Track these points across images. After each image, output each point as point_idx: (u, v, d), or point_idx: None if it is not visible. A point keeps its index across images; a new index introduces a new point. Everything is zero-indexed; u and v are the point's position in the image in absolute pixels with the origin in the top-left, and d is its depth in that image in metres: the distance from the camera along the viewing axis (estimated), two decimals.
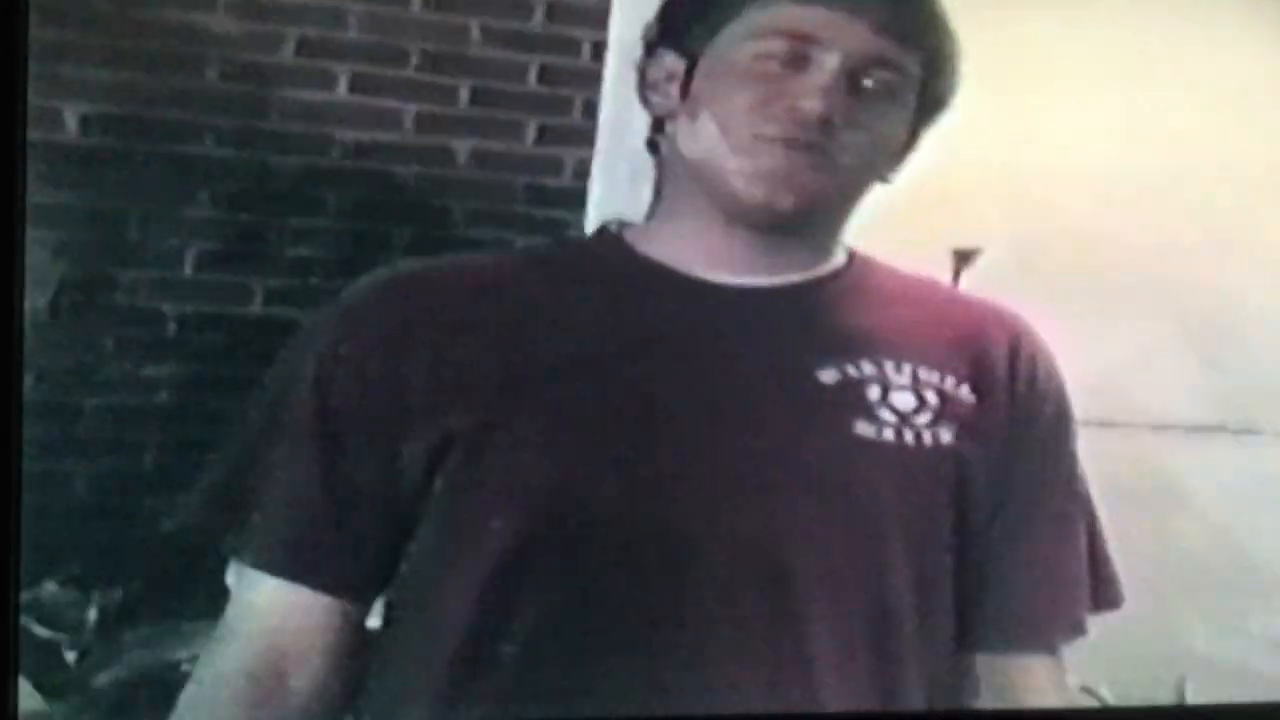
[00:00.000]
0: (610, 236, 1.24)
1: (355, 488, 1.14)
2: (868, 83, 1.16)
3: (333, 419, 1.14)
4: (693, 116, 1.19)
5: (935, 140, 1.24)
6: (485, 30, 1.45)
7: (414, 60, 1.45)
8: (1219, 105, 1.45)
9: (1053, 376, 1.24)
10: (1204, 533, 1.47)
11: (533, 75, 1.46)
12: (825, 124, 1.15)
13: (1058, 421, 1.24)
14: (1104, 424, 1.34)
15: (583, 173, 1.44)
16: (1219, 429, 1.51)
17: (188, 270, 1.40)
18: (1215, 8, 1.46)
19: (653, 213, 1.23)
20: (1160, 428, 1.49)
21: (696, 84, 1.19)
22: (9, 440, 1.15)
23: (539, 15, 1.45)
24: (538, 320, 1.18)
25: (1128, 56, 1.44)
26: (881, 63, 1.16)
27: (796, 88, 1.16)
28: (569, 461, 1.15)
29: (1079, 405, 1.25)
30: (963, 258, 1.41)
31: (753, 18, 1.18)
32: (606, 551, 1.14)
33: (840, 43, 1.16)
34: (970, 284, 1.40)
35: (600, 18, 1.41)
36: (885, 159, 1.21)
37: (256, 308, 1.42)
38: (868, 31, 1.16)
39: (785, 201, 1.16)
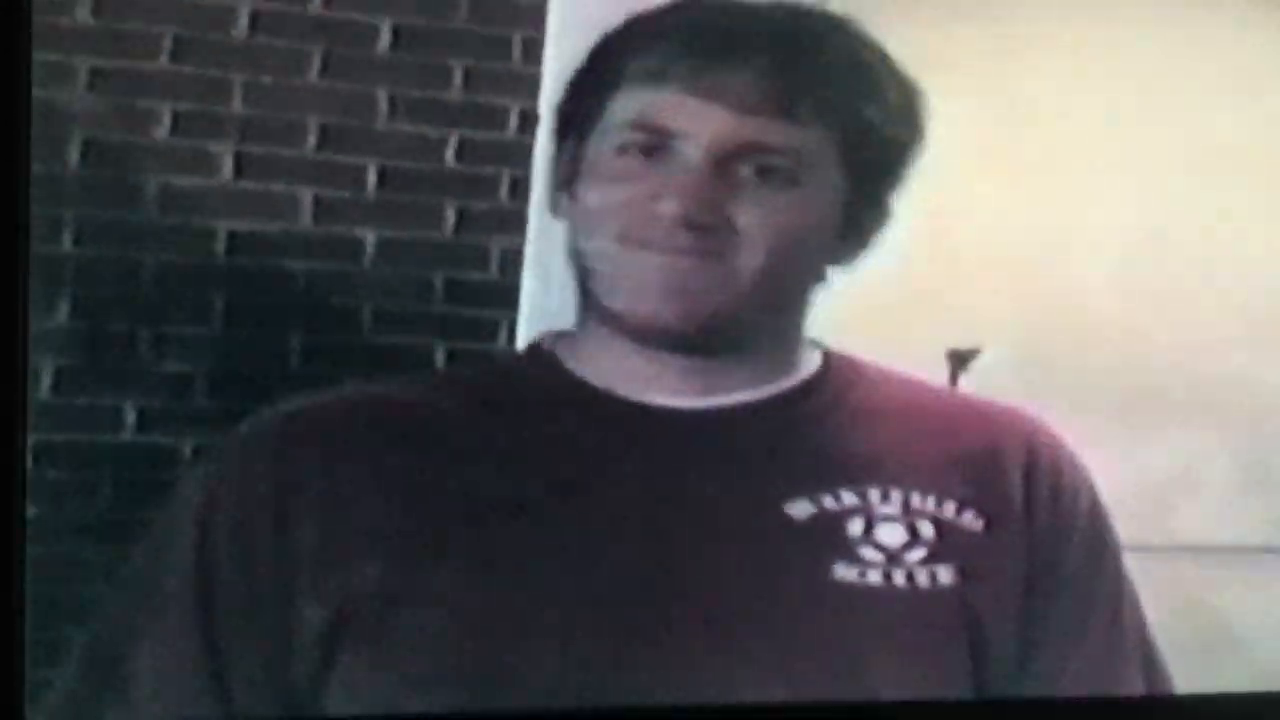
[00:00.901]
0: (543, 354, 1.11)
1: (244, 672, 1.01)
2: (746, 172, 1.03)
3: (214, 591, 1.02)
4: (577, 219, 1.08)
5: (926, 221, 1.11)
6: (394, 100, 1.25)
7: (311, 137, 1.25)
8: (1258, 178, 1.26)
9: (1082, 493, 1.10)
10: (1256, 675, 1.27)
11: (450, 151, 1.26)
12: (692, 228, 1.02)
13: (1093, 549, 1.10)
14: (1137, 549, 1.16)
15: (512, 264, 1.24)
16: (1269, 549, 1.32)
17: (44, 392, 1.20)
18: (1256, 65, 1.27)
19: (580, 323, 1.10)
20: (1201, 551, 1.30)
21: (578, 180, 1.09)
22: None
23: (457, 81, 1.25)
24: (455, 461, 1.05)
25: (1146, 120, 1.25)
26: (759, 149, 1.04)
27: (654, 188, 1.04)
28: (494, 629, 1.02)
29: None
30: (960, 360, 1.24)
31: (614, 108, 1.06)
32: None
33: (701, 132, 1.03)
34: (971, 390, 1.21)
35: (528, 83, 1.22)
36: (809, 250, 1.08)
37: (128, 434, 1.21)
38: (734, 115, 1.03)
39: (669, 316, 1.04)
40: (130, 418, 1.22)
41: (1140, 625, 1.11)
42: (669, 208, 1.03)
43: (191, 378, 1.21)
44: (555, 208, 1.11)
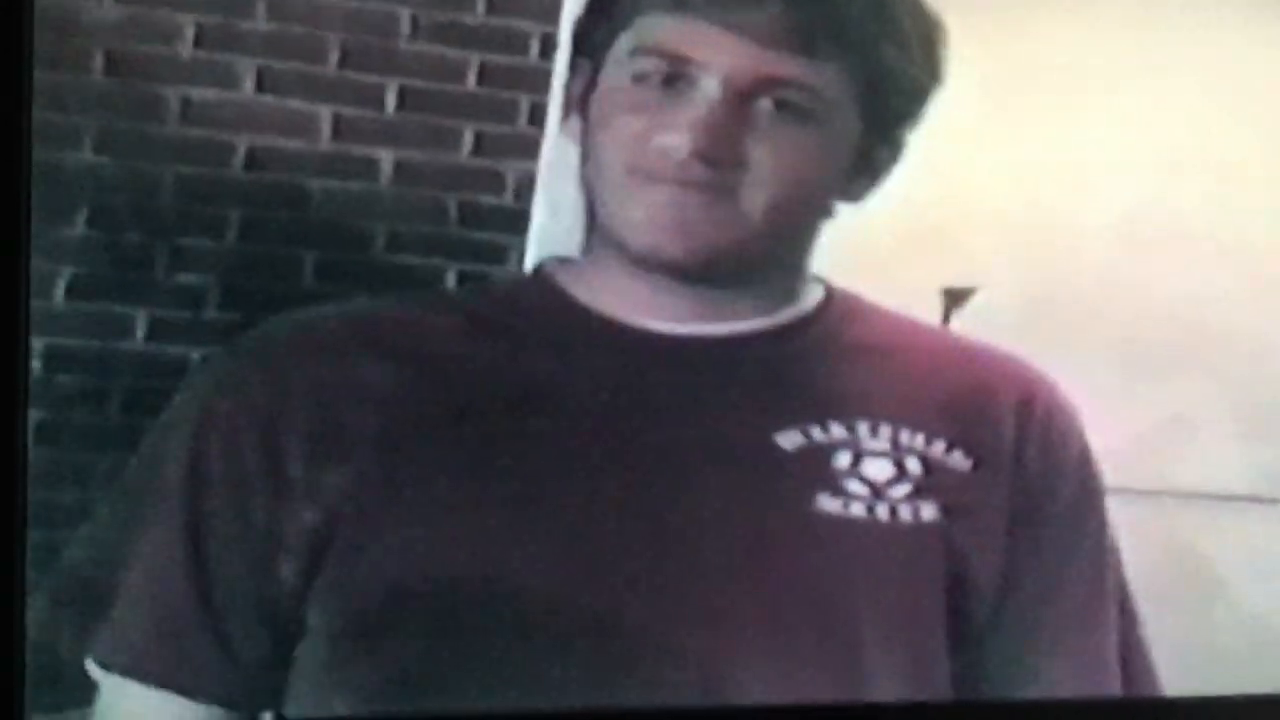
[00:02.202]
0: (542, 278, 1.10)
1: (229, 579, 1.01)
2: (764, 106, 1.01)
3: (203, 498, 1.01)
4: (588, 145, 1.07)
5: (928, 166, 1.10)
6: (417, 21, 1.25)
7: (333, 55, 1.25)
8: (1264, 130, 1.27)
9: (1073, 439, 1.10)
10: (1242, 621, 1.29)
11: (472, 75, 1.26)
12: (706, 162, 1.01)
13: (1080, 494, 1.10)
14: (1124, 492, 1.17)
15: (527, 190, 1.24)
16: (1256, 499, 1.33)
17: (59, 298, 1.20)
18: (1260, 19, 1.28)
19: (587, 248, 1.10)
20: (1190, 497, 1.31)
21: (592, 103, 1.06)
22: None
23: (480, 5, 1.25)
24: (446, 376, 1.05)
25: (1155, 71, 1.26)
26: (779, 83, 1.02)
27: (670, 119, 1.02)
28: (476, 541, 1.01)
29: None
30: (954, 298, 1.24)
31: (638, 29, 1.04)
32: (528, 644, 1.01)
33: (721, 63, 1.01)
34: (967, 333, 1.22)
35: (551, 7, 1.22)
36: (820, 187, 1.07)
37: (138, 342, 1.21)
38: (755, 48, 1.01)
39: (675, 250, 1.02)
40: (141, 327, 1.22)
41: (1119, 572, 1.12)
42: (684, 140, 1.01)
43: (204, 290, 1.21)
44: (564, 128, 1.10)
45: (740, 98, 1.02)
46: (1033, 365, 1.11)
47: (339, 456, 1.01)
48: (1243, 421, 1.32)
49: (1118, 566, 1.11)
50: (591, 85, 1.07)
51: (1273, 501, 1.35)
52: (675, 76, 1.03)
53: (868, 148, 1.07)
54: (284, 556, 1.01)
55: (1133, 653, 1.11)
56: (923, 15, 1.06)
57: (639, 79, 1.03)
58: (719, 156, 1.01)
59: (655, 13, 1.03)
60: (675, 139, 1.01)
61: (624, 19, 1.05)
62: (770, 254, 1.07)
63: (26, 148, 1.07)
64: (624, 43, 1.05)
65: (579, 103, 1.08)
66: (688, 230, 1.02)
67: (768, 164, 1.02)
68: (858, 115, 1.06)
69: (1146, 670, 1.11)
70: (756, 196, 1.02)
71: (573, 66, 1.09)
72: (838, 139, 1.06)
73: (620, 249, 1.05)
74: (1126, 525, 1.14)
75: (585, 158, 1.07)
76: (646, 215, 1.02)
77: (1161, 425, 1.29)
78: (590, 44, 1.07)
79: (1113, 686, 1.09)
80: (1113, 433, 1.14)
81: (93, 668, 1.03)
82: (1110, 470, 1.13)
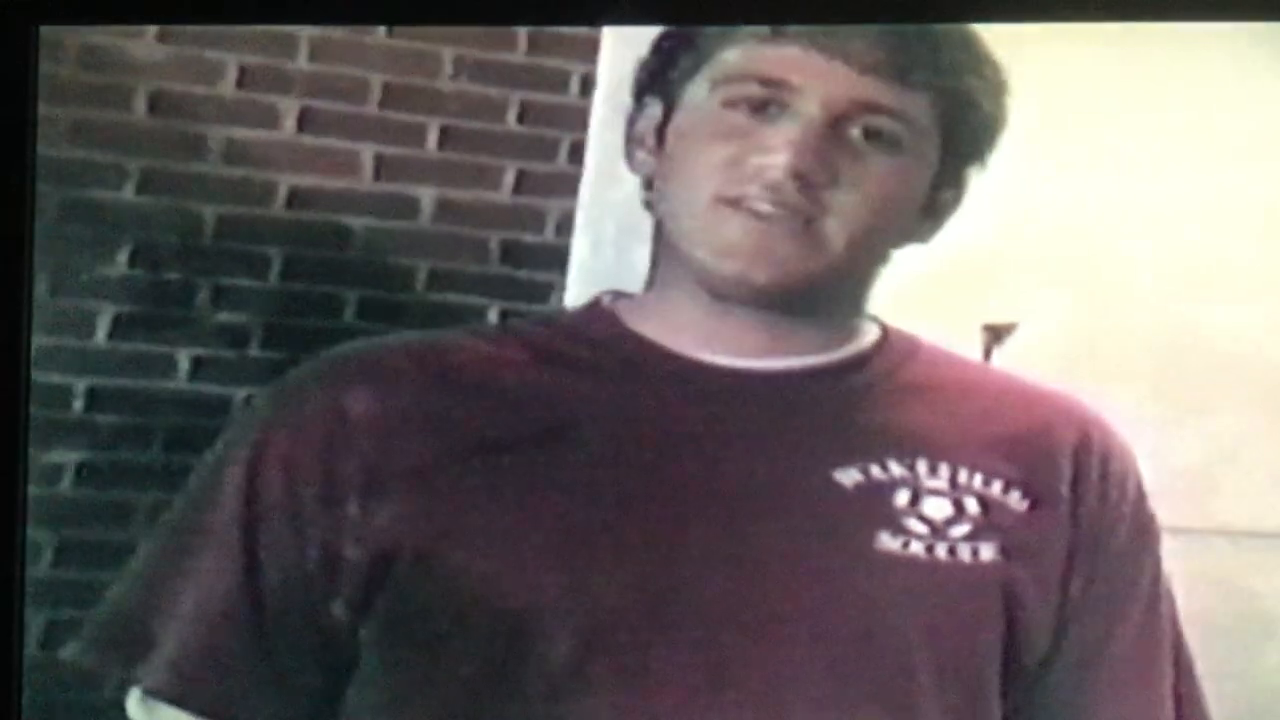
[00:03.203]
0: (602, 311, 1.08)
1: (284, 611, 1.00)
2: (856, 133, 1.01)
3: (259, 530, 1.00)
4: (665, 175, 1.05)
5: (977, 201, 1.08)
6: (459, 61, 1.26)
7: (375, 94, 1.25)
8: None
9: (1129, 481, 1.08)
10: None
11: (512, 114, 1.27)
12: (802, 185, 1.00)
13: (1136, 535, 1.08)
14: (1176, 531, 1.15)
15: (567, 227, 1.25)
16: None
17: (101, 337, 1.20)
18: None
19: (650, 282, 1.08)
20: (1240, 535, 1.30)
21: (670, 137, 1.05)
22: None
23: (521, 44, 1.26)
24: (506, 411, 1.03)
25: (1200, 109, 1.25)
26: (873, 108, 1.01)
27: (765, 142, 1.00)
28: (535, 571, 0.99)
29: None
30: (994, 334, 1.23)
31: (724, 60, 1.03)
32: (584, 678, 0.99)
33: (818, 88, 1.00)
34: (1012, 367, 1.22)
35: (591, 47, 1.22)
36: (899, 220, 1.05)
37: (181, 382, 1.22)
38: (852, 73, 1.00)
39: (759, 276, 1.01)
40: (184, 366, 1.22)
41: (1174, 616, 1.11)
42: (780, 160, 1.00)
43: (247, 329, 1.22)
44: (631, 162, 1.08)
45: (835, 122, 1.01)
46: (1089, 406, 1.09)
47: (397, 488, 1.00)
48: None
49: (1172, 610, 1.10)
50: (665, 119, 1.06)
51: None
52: (768, 101, 1.02)
53: (938, 186, 1.07)
54: (339, 589, 1.00)
55: (1186, 701, 1.09)
56: (992, 58, 1.07)
57: (728, 105, 1.02)
58: (815, 179, 1.00)
59: (749, 41, 1.03)
60: (771, 159, 1.00)
61: (710, 51, 1.04)
62: (843, 286, 1.06)
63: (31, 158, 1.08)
64: (708, 73, 1.04)
65: (652, 138, 1.06)
66: (773, 257, 1.01)
67: (856, 192, 1.01)
68: (937, 148, 1.06)
69: (1201, 717, 1.09)
70: (840, 225, 1.01)
71: (638, 104, 1.08)
72: (920, 172, 1.05)
73: (698, 279, 1.04)
74: (1176, 564, 1.12)
75: (660, 190, 1.06)
76: (733, 242, 1.01)
77: (1210, 461, 1.27)
78: (663, 80, 1.06)
79: None
80: (1159, 468, 1.12)
81: (133, 707, 1.03)
82: (1159, 506, 1.11)
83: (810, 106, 1.01)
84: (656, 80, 1.06)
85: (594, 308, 1.10)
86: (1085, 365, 1.22)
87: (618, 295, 1.10)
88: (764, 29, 1.03)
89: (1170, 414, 1.25)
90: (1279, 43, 1.21)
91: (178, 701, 1.00)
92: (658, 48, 1.07)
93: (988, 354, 1.22)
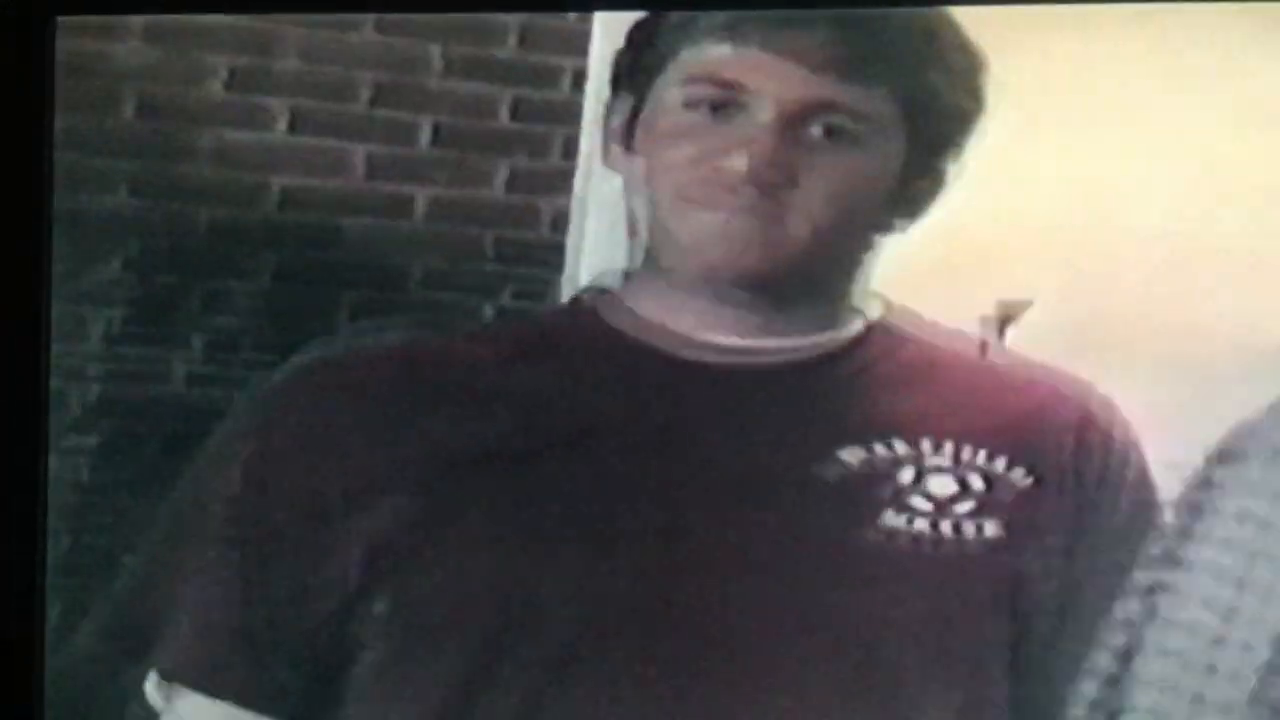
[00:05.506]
0: (581, 308, 1.11)
1: (285, 606, 1.04)
2: (815, 132, 1.03)
3: (255, 529, 1.04)
4: (633, 171, 1.08)
5: (976, 184, 1.09)
6: (449, 59, 1.25)
7: (365, 94, 1.25)
8: None
9: (1130, 458, 1.10)
10: None
11: (504, 110, 1.26)
12: (759, 187, 1.02)
13: (1138, 512, 1.09)
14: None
15: (563, 224, 1.24)
16: None
17: (94, 343, 1.20)
18: None
19: (626, 276, 1.11)
20: None
21: (638, 133, 1.08)
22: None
23: (511, 41, 1.25)
24: (488, 405, 1.06)
25: (1201, 87, 1.24)
26: (829, 107, 1.04)
27: (723, 144, 1.03)
28: (520, 570, 1.03)
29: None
30: (1009, 310, 1.22)
31: (684, 59, 1.06)
32: (571, 676, 1.02)
33: (773, 88, 1.03)
34: (1020, 349, 1.21)
35: (582, 41, 1.22)
36: (864, 214, 1.08)
37: (176, 386, 1.21)
38: (807, 73, 1.03)
39: (727, 272, 1.04)
40: (179, 371, 1.22)
41: None
42: (738, 164, 1.02)
43: (241, 332, 1.22)
44: (606, 158, 1.11)
45: (791, 123, 1.03)
46: (1091, 385, 1.11)
47: (388, 488, 1.03)
48: None
49: None
50: (634, 116, 1.07)
51: None
52: (725, 102, 1.04)
53: (909, 177, 1.08)
54: (336, 586, 1.02)
55: None
56: (966, 46, 1.07)
57: (689, 105, 1.05)
58: (772, 181, 1.03)
59: (705, 41, 1.05)
60: (728, 164, 1.03)
61: (671, 50, 1.06)
62: (818, 276, 1.07)
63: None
64: (672, 72, 1.06)
65: (622, 133, 1.09)
66: (738, 253, 1.03)
67: (816, 189, 1.04)
68: (903, 143, 1.06)
69: None
70: (803, 220, 1.04)
71: (613, 99, 1.10)
72: (883, 165, 1.07)
73: (669, 274, 1.06)
74: None
75: (632, 186, 1.08)
76: (698, 239, 1.04)
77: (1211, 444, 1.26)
78: (632, 76, 1.09)
79: None
80: (1165, 451, 1.12)
81: (152, 692, 1.05)
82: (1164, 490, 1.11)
83: (766, 108, 1.03)
84: (628, 75, 1.09)
85: (575, 304, 1.12)
86: (1087, 348, 1.21)
87: (601, 291, 1.11)
88: (720, 29, 1.04)
89: (1179, 398, 1.24)
90: None
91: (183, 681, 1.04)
92: (629, 41, 1.09)
93: (1001, 332, 1.22)
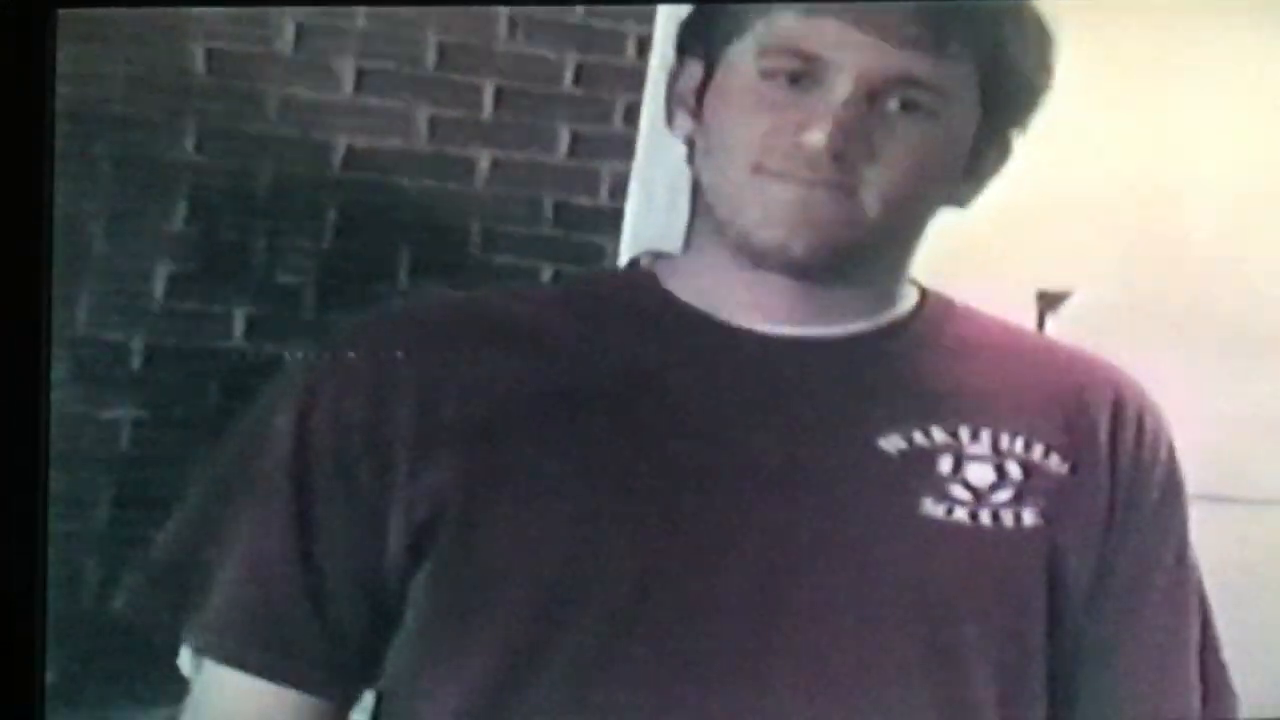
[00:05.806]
0: (641, 273, 1.09)
1: (334, 565, 1.01)
2: (893, 105, 1.01)
3: (310, 482, 1.01)
4: (704, 140, 1.05)
5: (1025, 161, 1.08)
6: (515, 21, 1.26)
7: (431, 55, 1.25)
8: None
9: (1161, 440, 1.09)
10: None
11: (568, 75, 1.27)
12: (838, 160, 1.00)
13: (1167, 493, 1.08)
14: (1216, 499, 1.16)
15: (622, 190, 1.25)
16: None
17: (158, 294, 1.21)
18: None
19: (687, 244, 1.09)
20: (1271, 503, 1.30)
21: (709, 101, 1.05)
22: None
23: (578, 5, 1.26)
24: (547, 371, 1.04)
25: (1258, 64, 1.25)
26: (909, 82, 1.01)
27: (802, 116, 1.01)
28: (580, 531, 1.01)
29: (1191, 476, 1.09)
30: (1049, 301, 1.23)
31: (761, 29, 1.03)
32: (626, 641, 1.00)
33: (854, 62, 1.01)
34: (1066, 332, 1.22)
35: (649, 8, 1.22)
36: (938, 187, 1.06)
37: (236, 340, 1.22)
38: (888, 47, 1.01)
39: (798, 247, 1.01)
40: (239, 325, 1.23)
41: (1198, 573, 1.12)
42: (817, 138, 1.00)
43: (301, 288, 1.22)
44: (671, 123, 1.08)
45: (871, 96, 1.01)
46: (1120, 369, 1.09)
47: (445, 443, 1.01)
48: None
49: (1198, 579, 1.11)
50: (704, 84, 1.07)
51: None
52: (804, 74, 1.02)
53: (980, 149, 1.07)
54: (387, 546, 1.00)
55: (1210, 664, 1.10)
56: (1038, 19, 1.07)
57: (766, 76, 1.02)
58: (850, 155, 1.01)
59: (782, 11, 1.03)
60: (807, 137, 1.00)
61: (746, 18, 1.04)
62: (882, 254, 1.06)
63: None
64: (748, 41, 1.04)
65: (691, 101, 1.07)
66: (812, 227, 1.01)
67: (892, 163, 1.02)
68: (977, 114, 1.06)
69: (1223, 687, 1.10)
70: (877, 195, 1.02)
71: (679, 64, 1.08)
72: (958, 139, 1.05)
73: (738, 246, 1.04)
74: (1217, 529, 1.13)
75: (699, 155, 1.06)
76: (772, 212, 1.01)
77: (1261, 429, 1.27)
78: (704, 43, 1.06)
79: (1190, 690, 1.09)
80: (1209, 434, 1.12)
81: (185, 663, 1.03)
82: (1205, 473, 1.12)
83: (846, 81, 1.01)
84: (697, 40, 1.06)
85: (632, 268, 1.11)
86: (1141, 330, 1.22)
87: (658, 256, 1.10)
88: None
89: (1227, 381, 1.25)
90: None
91: (229, 661, 1.01)
92: (700, 8, 1.07)
93: (1041, 322, 1.23)
